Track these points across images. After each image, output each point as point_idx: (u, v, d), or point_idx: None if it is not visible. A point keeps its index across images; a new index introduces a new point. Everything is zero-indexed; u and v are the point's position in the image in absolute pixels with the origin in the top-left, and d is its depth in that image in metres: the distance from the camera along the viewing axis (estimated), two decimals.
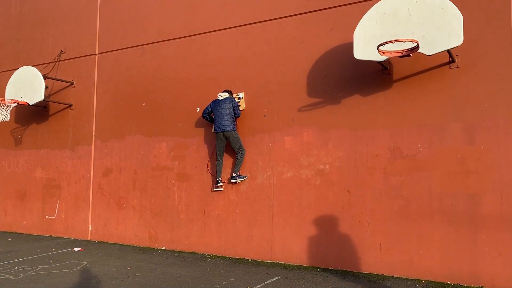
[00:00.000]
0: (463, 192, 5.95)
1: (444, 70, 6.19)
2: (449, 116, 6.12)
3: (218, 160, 7.77)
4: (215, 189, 7.90)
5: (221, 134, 7.53)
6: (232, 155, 7.82)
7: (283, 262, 7.20)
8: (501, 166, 5.76)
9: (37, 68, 9.85)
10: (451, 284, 5.88)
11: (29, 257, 7.70)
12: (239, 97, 7.78)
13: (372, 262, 6.47)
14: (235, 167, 7.65)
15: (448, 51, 5.75)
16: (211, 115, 7.80)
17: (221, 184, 7.80)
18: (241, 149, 7.61)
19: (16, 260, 7.44)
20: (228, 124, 7.48)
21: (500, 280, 5.63)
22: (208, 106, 7.78)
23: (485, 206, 5.80)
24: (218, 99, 7.62)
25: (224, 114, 7.49)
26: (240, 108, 7.74)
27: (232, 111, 7.54)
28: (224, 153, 7.89)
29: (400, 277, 6.23)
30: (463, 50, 6.01)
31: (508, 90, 5.79)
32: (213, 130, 7.75)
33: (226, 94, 7.63)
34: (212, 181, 8.04)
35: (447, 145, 6.10)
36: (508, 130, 5.75)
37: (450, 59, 6.08)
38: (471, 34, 5.99)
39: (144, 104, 9.07)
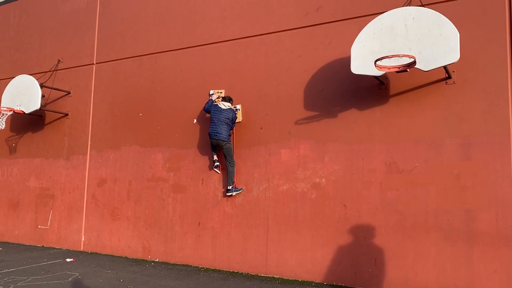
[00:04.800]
0: (459, 208, 5.94)
1: (440, 86, 6.24)
2: (445, 131, 6.14)
3: (212, 150, 7.86)
4: (213, 169, 7.92)
5: (215, 141, 7.55)
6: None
7: (277, 276, 7.13)
8: (496, 182, 5.77)
9: (34, 77, 9.83)
10: None
11: (20, 268, 7.58)
12: (236, 109, 7.79)
13: (367, 277, 6.42)
14: (229, 180, 7.62)
15: (445, 67, 5.80)
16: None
17: (218, 164, 7.81)
18: (231, 161, 7.60)
19: (7, 271, 7.33)
20: (224, 134, 7.48)
21: None
22: (208, 104, 7.79)
23: (481, 222, 5.79)
24: (220, 107, 7.61)
25: (221, 123, 7.49)
26: (237, 120, 7.75)
27: (230, 123, 7.55)
28: (220, 162, 7.89)
29: None
30: (459, 66, 6.06)
31: (504, 106, 5.84)
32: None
33: (228, 105, 7.63)
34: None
35: (443, 161, 6.12)
36: (504, 146, 5.78)
37: (447, 75, 6.13)
38: (467, 51, 6.05)
39: (140, 114, 9.05)
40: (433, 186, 6.13)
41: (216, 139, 7.49)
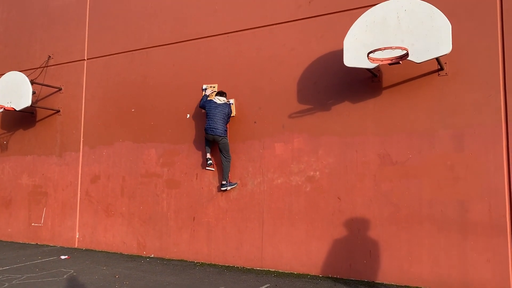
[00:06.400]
0: (452, 198, 5.99)
1: (433, 78, 6.26)
2: (438, 123, 6.17)
3: (207, 146, 7.82)
4: (206, 168, 7.87)
5: (211, 136, 7.51)
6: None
7: (273, 270, 7.16)
8: (489, 173, 5.81)
9: (24, 73, 9.72)
10: None
11: (14, 266, 7.54)
12: (230, 103, 7.77)
13: (362, 269, 6.47)
14: (224, 174, 7.61)
15: (437, 59, 5.81)
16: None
17: (210, 162, 7.79)
18: (227, 156, 7.59)
19: (1, 269, 7.28)
20: (220, 129, 7.45)
21: (489, 286, 5.66)
22: (203, 100, 7.73)
23: (474, 213, 5.84)
24: (215, 101, 7.58)
25: (217, 118, 7.46)
26: (231, 114, 7.72)
27: (226, 118, 7.54)
28: (213, 159, 7.87)
29: (390, 283, 6.23)
30: (452, 58, 6.08)
31: (496, 97, 5.87)
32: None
33: (224, 99, 7.61)
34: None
35: (436, 152, 6.15)
36: (496, 137, 5.82)
37: (439, 67, 6.15)
38: (459, 42, 6.07)
39: (133, 110, 9.00)
40: (427, 178, 6.17)
41: (213, 134, 7.45)
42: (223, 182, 7.62)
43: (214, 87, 8.00)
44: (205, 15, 8.34)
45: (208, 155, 7.80)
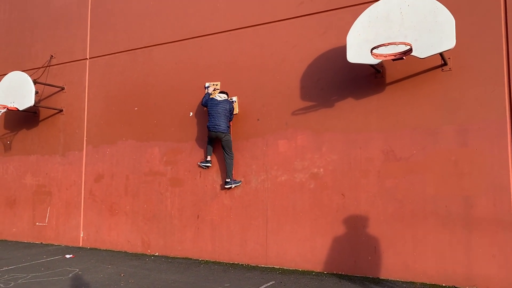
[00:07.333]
0: (456, 194, 5.97)
1: (436, 73, 6.23)
2: (442, 118, 6.15)
3: (209, 145, 7.86)
4: (199, 164, 7.92)
5: (214, 134, 7.51)
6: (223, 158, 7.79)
7: (278, 267, 7.16)
8: (493, 168, 5.79)
9: (27, 73, 9.73)
10: (446, 286, 5.89)
11: (20, 265, 7.56)
12: (233, 101, 7.76)
13: (367, 266, 6.46)
14: (228, 172, 7.61)
15: (441, 54, 5.79)
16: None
17: (209, 160, 7.83)
18: (230, 153, 7.59)
19: (6, 268, 7.31)
20: (223, 125, 7.45)
21: (495, 281, 5.65)
22: (205, 98, 7.74)
23: (479, 208, 5.83)
24: (216, 99, 7.58)
25: (219, 115, 7.46)
26: (234, 112, 7.72)
27: (228, 114, 7.53)
28: (217, 157, 7.87)
29: (395, 280, 6.23)
30: (455, 53, 6.05)
31: (500, 92, 5.85)
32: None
33: (224, 96, 7.62)
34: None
35: (440, 148, 6.13)
36: (500, 132, 5.80)
37: (443, 62, 6.13)
38: (463, 37, 6.04)
39: (136, 108, 9.00)
40: (431, 173, 6.15)
41: (215, 131, 7.45)
42: (227, 180, 7.62)
43: (216, 84, 8.00)
44: (206, 13, 8.32)
45: (209, 158, 7.82)
